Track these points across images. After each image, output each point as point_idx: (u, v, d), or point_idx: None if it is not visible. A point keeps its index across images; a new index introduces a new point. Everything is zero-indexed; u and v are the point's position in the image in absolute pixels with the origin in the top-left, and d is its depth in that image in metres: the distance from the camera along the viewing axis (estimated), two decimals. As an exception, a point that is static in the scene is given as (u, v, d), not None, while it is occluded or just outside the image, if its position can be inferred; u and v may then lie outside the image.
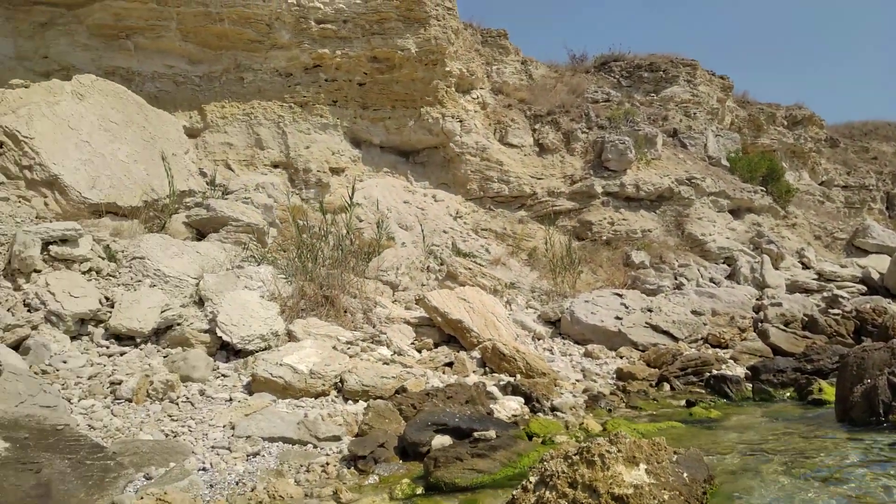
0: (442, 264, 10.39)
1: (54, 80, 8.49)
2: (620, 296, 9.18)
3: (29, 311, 5.62)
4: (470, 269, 9.05)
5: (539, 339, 8.18)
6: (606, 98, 16.06)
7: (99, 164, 7.87)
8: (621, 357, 7.74)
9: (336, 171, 12.22)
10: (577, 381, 6.65)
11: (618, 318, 8.46)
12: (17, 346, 5.02)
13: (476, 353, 6.78)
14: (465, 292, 7.72)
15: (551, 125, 14.41)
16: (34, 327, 5.33)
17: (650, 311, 8.73)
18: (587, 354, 7.80)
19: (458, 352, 6.79)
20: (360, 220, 10.88)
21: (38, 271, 6.08)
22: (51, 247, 6.25)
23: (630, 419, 5.24)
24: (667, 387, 6.57)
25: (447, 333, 7.25)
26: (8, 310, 5.54)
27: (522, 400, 5.41)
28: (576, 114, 14.67)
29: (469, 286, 8.28)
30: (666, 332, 8.31)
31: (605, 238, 13.18)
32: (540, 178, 13.69)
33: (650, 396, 6.23)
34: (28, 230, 6.18)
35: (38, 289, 5.78)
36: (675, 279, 11.71)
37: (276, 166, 11.71)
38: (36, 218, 7.11)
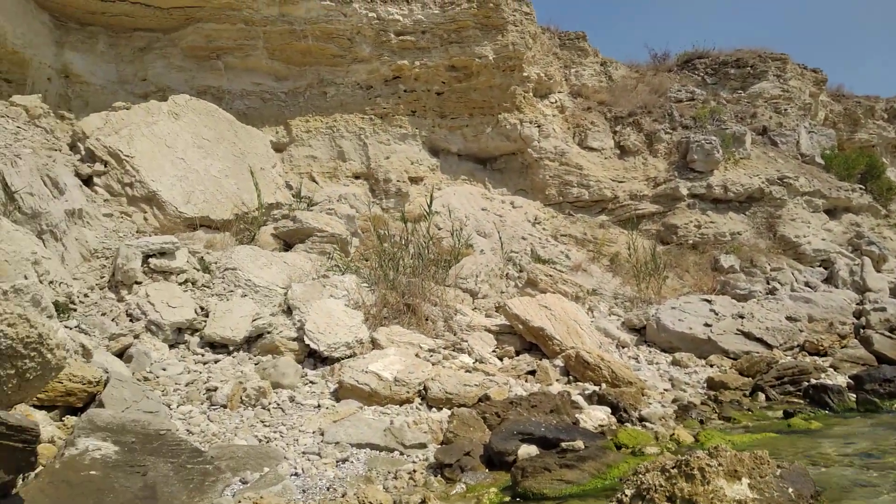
0: (521, 271, 10.30)
1: (152, 102, 9.00)
2: (709, 302, 8.82)
3: (131, 320, 5.96)
4: (550, 275, 8.92)
5: (623, 347, 7.98)
6: (691, 97, 15.53)
7: (193, 179, 8.27)
8: (711, 366, 7.43)
9: (415, 181, 12.37)
10: (666, 390, 6.42)
11: (707, 324, 8.13)
12: (121, 354, 5.31)
13: (559, 362, 6.67)
14: (546, 299, 7.61)
15: (633, 127, 14.07)
16: (136, 336, 5.63)
17: (741, 317, 8.35)
18: (675, 363, 7.53)
19: (541, 360, 6.70)
20: (439, 228, 10.94)
21: (139, 283, 6.43)
22: (150, 259, 6.60)
23: (724, 431, 5.00)
24: (762, 397, 6.24)
25: (528, 341, 7.17)
26: (112, 319, 5.89)
27: (609, 410, 5.27)
28: (658, 114, 14.26)
29: (550, 293, 8.16)
30: (759, 340, 7.91)
31: (691, 242, 12.73)
32: (621, 182, 13.38)
33: (744, 407, 5.93)
34: (130, 244, 6.56)
35: (139, 299, 6.12)
36: (768, 284, 11.18)
37: (357, 177, 11.98)
38: (136, 232, 7.55)
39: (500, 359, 6.78)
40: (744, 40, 35.14)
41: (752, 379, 6.66)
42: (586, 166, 13.17)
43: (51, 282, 5.09)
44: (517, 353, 7.00)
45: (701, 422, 5.41)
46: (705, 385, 6.65)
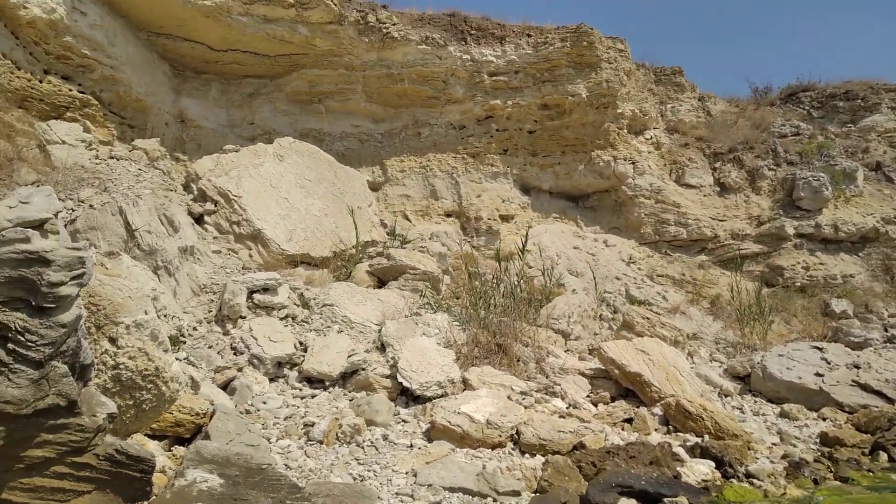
0: (615, 312, 10.03)
1: (259, 144, 9.52)
2: (820, 349, 8.25)
3: (235, 354, 6.22)
4: (648, 318, 8.63)
5: (727, 396, 7.56)
6: (795, 131, 14.78)
7: (295, 218, 8.63)
8: (824, 419, 6.90)
9: (506, 218, 12.38)
10: (774, 444, 6.02)
11: (818, 374, 7.59)
12: (225, 387, 5.54)
13: (657, 410, 6.38)
14: (643, 343, 7.35)
15: (733, 163, 13.54)
16: (240, 369, 5.87)
17: (857, 367, 7.74)
18: (783, 415, 7.04)
19: (638, 407, 6.44)
20: (530, 267, 10.86)
21: (244, 317, 6.73)
22: (254, 295, 6.90)
23: (842, 492, 4.61)
24: (884, 457, 5.71)
25: (625, 387, 6.92)
26: (218, 352, 6.18)
27: (712, 464, 4.97)
28: (761, 150, 13.65)
29: (647, 337, 7.88)
30: (878, 393, 7.28)
31: (798, 284, 12.00)
32: (722, 220, 12.85)
33: (864, 467, 5.45)
34: (236, 280, 6.89)
35: (243, 333, 6.39)
36: (886, 331, 10.34)
37: (449, 215, 12.12)
38: (242, 268, 7.92)
39: (595, 404, 6.57)
40: (852, 72, 33.28)
41: (871, 436, 6.12)
42: (684, 204, 12.75)
43: (164, 315, 5.40)
44: (613, 399, 6.77)
45: (815, 481, 5.02)
46: (818, 440, 6.17)
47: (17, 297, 2.41)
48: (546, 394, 6.47)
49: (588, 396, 6.78)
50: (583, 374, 7.21)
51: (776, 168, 13.39)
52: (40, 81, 8.71)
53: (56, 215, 2.60)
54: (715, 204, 13.11)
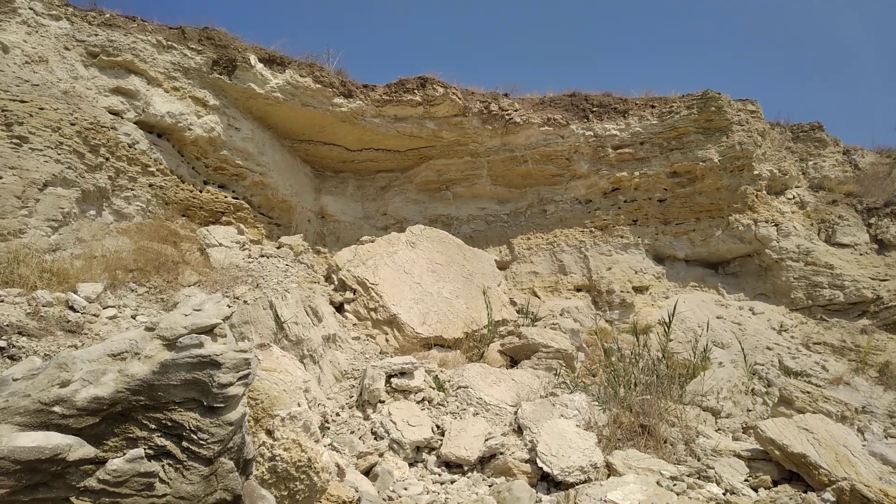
0: (769, 386, 9.29)
1: (392, 233, 10.03)
2: None
3: (375, 438, 6.37)
4: (808, 392, 7.91)
5: (912, 480, 6.67)
6: (961, 178, 13.41)
7: (428, 302, 8.89)
8: None
9: (639, 290, 12.03)
10: (979, 539, 5.19)
11: None
12: (367, 472, 5.66)
13: (828, 496, 5.73)
14: (805, 420, 6.71)
15: (891, 217, 12.43)
16: (381, 454, 5.99)
17: None
18: None
19: (805, 492, 5.83)
20: (670, 340, 10.38)
21: (382, 402, 6.92)
22: (392, 379, 7.10)
23: None
24: None
25: (787, 469, 6.31)
26: (360, 437, 6.35)
27: (902, 561, 4.38)
28: (922, 201, 12.48)
29: (809, 413, 7.20)
30: None
31: (984, 347, 10.56)
32: (884, 280, 11.71)
33: None
34: (375, 365, 7.14)
35: (383, 418, 6.55)
36: None
37: (579, 290, 11.98)
38: (379, 353, 8.20)
39: (755, 489, 6.03)
40: None
41: None
42: (838, 265, 11.80)
43: (312, 404, 5.69)
44: (775, 483, 6.18)
45: None
46: None
47: (191, 398, 2.67)
48: (699, 478, 6.04)
49: (746, 480, 6.24)
50: (738, 456, 6.67)
51: (943, 219, 12.15)
52: (200, 191, 9.80)
53: (224, 320, 2.89)
54: (874, 263, 12.02)
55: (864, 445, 7.10)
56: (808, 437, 6.46)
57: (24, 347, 4.87)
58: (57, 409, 2.46)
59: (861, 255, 12.22)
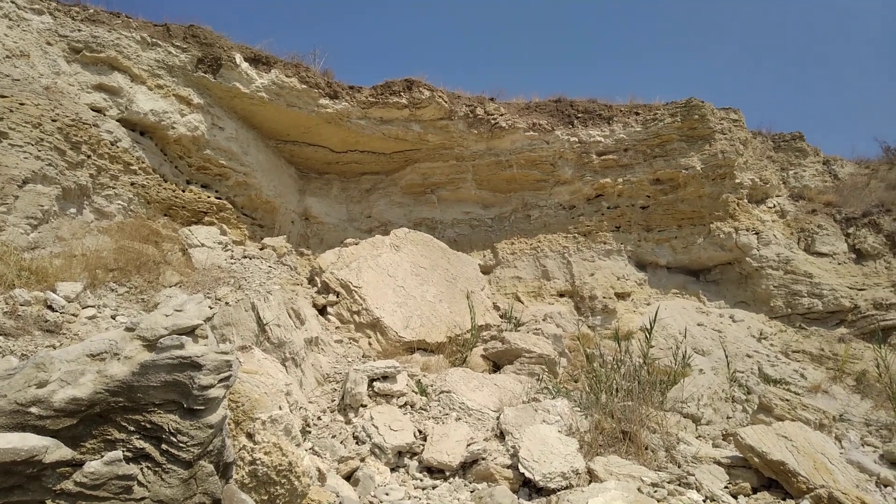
0: (749, 393, 9.38)
1: (377, 236, 10.00)
2: None
3: (357, 443, 6.33)
4: (787, 400, 7.99)
5: (886, 486, 6.75)
6: (938, 190, 13.64)
7: (411, 305, 8.87)
8: None
9: (622, 296, 12.10)
10: (952, 546, 5.28)
11: None
12: (348, 477, 5.62)
13: (806, 503, 5.80)
14: (784, 428, 6.77)
15: (869, 227, 12.62)
16: (362, 459, 5.95)
17: None
18: (960, 510, 6.19)
19: (784, 499, 5.89)
20: (651, 346, 10.44)
21: (365, 406, 6.87)
22: (374, 383, 7.06)
23: None
24: None
25: (767, 477, 6.37)
26: (341, 442, 6.31)
27: (879, 570, 4.42)
28: (900, 212, 12.68)
29: (788, 420, 7.28)
30: None
31: (960, 358, 10.73)
32: (861, 289, 11.89)
33: None
34: (357, 368, 7.10)
35: (365, 422, 6.51)
36: None
37: (562, 295, 12.02)
38: (362, 356, 8.16)
39: (735, 496, 6.07)
40: None
41: None
42: (817, 273, 11.95)
43: (293, 407, 5.64)
44: (754, 490, 6.22)
45: None
46: None
47: (171, 399, 2.63)
48: (679, 485, 6.07)
49: (726, 487, 6.28)
50: (719, 463, 6.71)
51: (920, 230, 12.36)
52: (183, 191, 9.71)
53: (206, 321, 2.86)
54: (852, 272, 12.19)
55: (841, 453, 7.18)
56: (787, 444, 6.53)
57: (0, 347, 4.78)
58: (34, 409, 2.42)
59: (839, 264, 12.39)
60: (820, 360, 11.19)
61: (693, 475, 6.32)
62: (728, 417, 8.67)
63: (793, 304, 11.88)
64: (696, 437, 7.57)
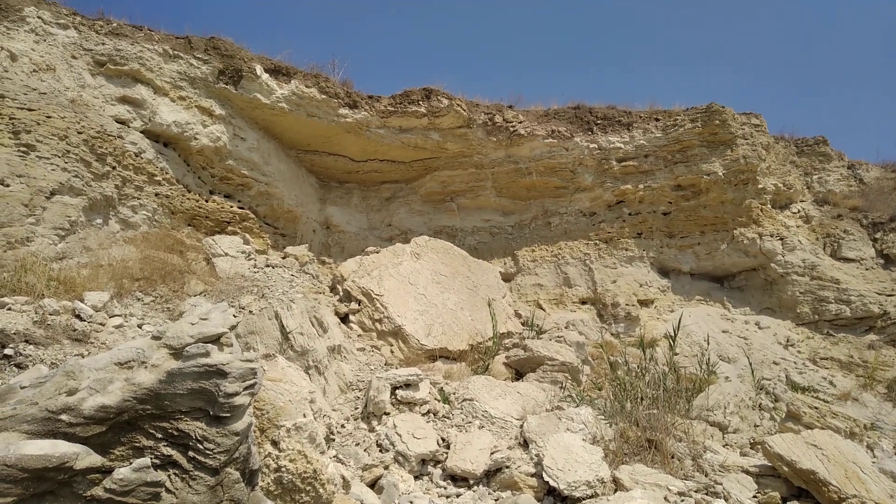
0: (776, 401, 9.23)
1: (397, 244, 10.02)
2: None
3: (381, 451, 6.32)
4: (816, 407, 7.84)
5: (922, 498, 6.59)
6: (969, 193, 13.36)
7: (433, 313, 8.86)
8: None
9: (644, 303, 11.98)
10: None
11: None
12: (372, 485, 5.61)
13: (839, 513, 5.68)
14: (814, 436, 6.64)
15: (897, 232, 12.39)
16: (386, 467, 5.94)
17: None
18: None
19: (815, 509, 5.78)
20: (676, 353, 10.32)
21: (388, 414, 6.87)
22: (397, 391, 7.06)
23: None
24: None
25: (796, 486, 6.25)
26: (365, 450, 6.30)
27: (915, 581, 4.31)
28: (929, 216, 12.44)
29: (817, 428, 7.15)
30: None
31: None
32: (890, 295, 11.65)
33: None
34: (380, 376, 7.10)
35: (388, 430, 6.50)
36: None
37: (584, 303, 11.94)
38: (384, 364, 8.16)
39: (764, 506, 5.97)
40: None
41: None
42: (844, 279, 11.75)
43: (317, 415, 5.65)
44: (783, 500, 6.11)
45: None
46: None
47: (198, 407, 2.65)
48: (707, 494, 5.97)
49: (755, 497, 6.17)
50: (746, 472, 6.60)
51: (950, 234, 12.11)
52: (206, 201, 9.81)
53: (230, 330, 2.88)
54: (880, 278, 11.96)
55: (873, 462, 7.02)
56: (816, 453, 6.40)
57: (30, 356, 4.86)
58: (64, 417, 2.44)
59: (867, 269, 12.17)
60: (849, 367, 10.98)
61: (721, 484, 6.22)
62: (755, 426, 8.53)
63: (820, 311, 11.67)
64: (723, 446, 7.46)
